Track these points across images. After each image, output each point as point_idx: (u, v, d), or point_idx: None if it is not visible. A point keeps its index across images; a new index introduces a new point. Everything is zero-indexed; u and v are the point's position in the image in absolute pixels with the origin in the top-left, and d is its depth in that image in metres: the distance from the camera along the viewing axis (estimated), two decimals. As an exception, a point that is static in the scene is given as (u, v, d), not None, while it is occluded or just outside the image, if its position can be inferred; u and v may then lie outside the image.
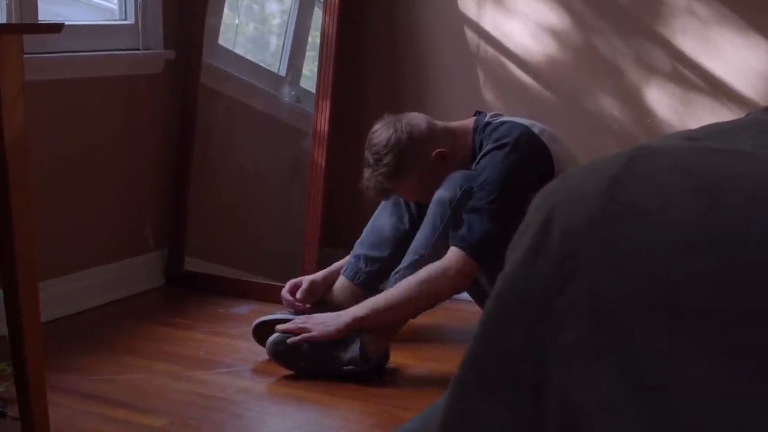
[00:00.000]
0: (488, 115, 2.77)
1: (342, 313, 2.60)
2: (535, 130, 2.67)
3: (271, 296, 3.23)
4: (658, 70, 2.97)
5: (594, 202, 1.26)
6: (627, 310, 1.21)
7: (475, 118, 2.78)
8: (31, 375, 2.07)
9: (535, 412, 1.22)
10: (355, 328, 2.56)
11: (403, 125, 2.71)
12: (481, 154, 2.65)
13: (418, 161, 2.70)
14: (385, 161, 2.69)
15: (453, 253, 2.54)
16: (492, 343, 1.25)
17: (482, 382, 1.25)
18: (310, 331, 2.57)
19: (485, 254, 2.52)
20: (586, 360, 1.21)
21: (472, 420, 1.24)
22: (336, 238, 3.34)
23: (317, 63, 3.28)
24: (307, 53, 3.66)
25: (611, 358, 1.20)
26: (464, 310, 3.07)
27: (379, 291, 2.80)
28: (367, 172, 2.74)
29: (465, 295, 2.96)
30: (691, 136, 1.61)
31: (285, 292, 2.87)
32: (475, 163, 2.69)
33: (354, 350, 2.56)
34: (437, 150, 2.70)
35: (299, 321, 2.62)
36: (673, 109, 2.96)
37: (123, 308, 3.21)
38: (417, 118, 2.75)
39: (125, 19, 3.31)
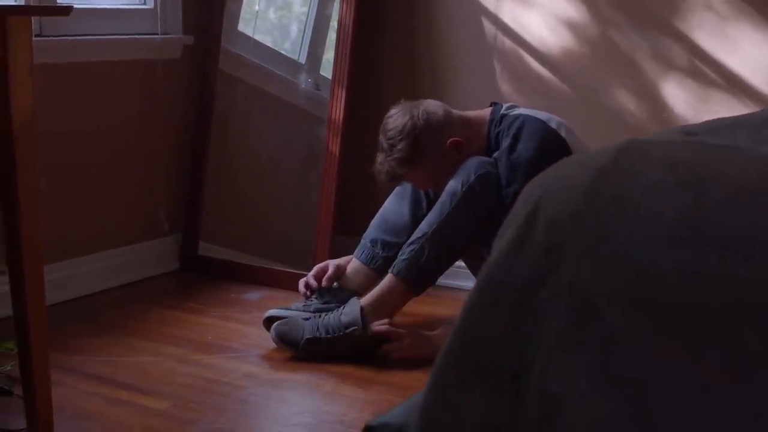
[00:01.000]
0: (504, 107, 2.76)
1: (436, 339, 2.60)
2: (552, 124, 2.67)
3: (284, 283, 3.25)
4: (675, 65, 2.95)
5: (579, 195, 1.26)
6: (609, 304, 1.20)
7: (491, 108, 2.77)
8: (34, 355, 2.09)
9: (514, 402, 1.22)
10: None
11: (420, 112, 2.70)
12: (501, 149, 2.63)
13: (433, 149, 2.69)
14: (400, 147, 2.68)
15: None
16: (473, 333, 1.25)
17: (462, 373, 1.24)
18: (407, 347, 2.59)
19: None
20: (567, 352, 1.20)
21: (452, 410, 1.23)
22: (349, 226, 3.34)
23: (334, 51, 3.27)
24: (328, 41, 3.67)
25: (592, 350, 1.19)
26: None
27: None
28: (380, 157, 2.74)
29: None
30: (690, 130, 1.60)
31: (310, 277, 2.86)
32: (494, 155, 2.67)
33: (354, 313, 2.58)
34: (452, 139, 2.69)
35: (402, 332, 2.61)
36: (690, 105, 2.94)
37: (135, 291, 3.23)
38: (434, 106, 2.74)
39: (144, 3, 3.32)
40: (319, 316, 2.62)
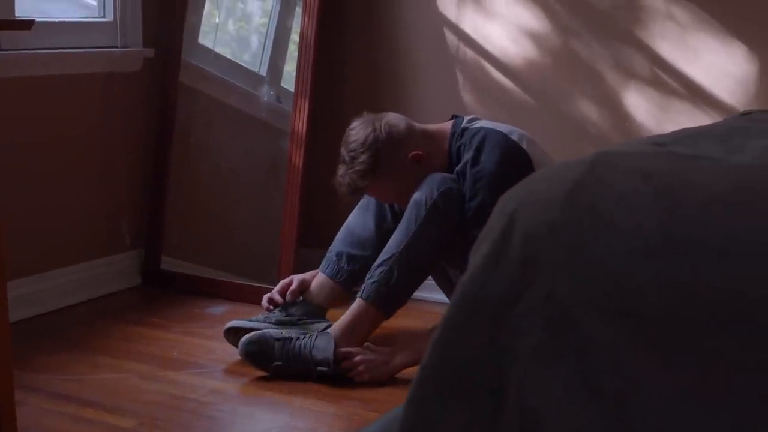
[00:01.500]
0: (465, 120, 2.76)
1: (390, 358, 2.59)
2: (514, 136, 2.67)
3: (248, 296, 3.22)
4: (637, 74, 2.97)
5: (555, 208, 1.26)
6: (586, 316, 1.20)
7: (452, 121, 2.77)
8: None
9: (493, 417, 1.21)
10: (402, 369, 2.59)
11: (382, 125, 2.70)
12: (462, 162, 2.63)
13: (394, 162, 2.69)
14: (361, 159, 2.67)
15: None
16: (450, 348, 1.24)
17: (440, 388, 1.24)
18: (362, 373, 2.56)
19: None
20: (545, 365, 1.20)
21: (431, 425, 1.23)
22: (312, 239, 3.32)
23: (296, 63, 3.26)
24: (289, 53, 3.65)
25: (570, 363, 1.19)
26: (438, 312, 3.06)
27: (357, 288, 2.80)
28: (341, 169, 2.73)
29: (440, 297, 2.96)
30: (658, 141, 1.61)
31: (274, 293, 2.85)
32: (456, 169, 2.67)
33: (327, 351, 2.55)
34: (413, 152, 2.69)
35: (357, 360, 2.57)
36: (652, 114, 2.96)
37: (97, 307, 3.19)
38: (396, 119, 2.74)
39: (104, 16, 3.29)
40: (290, 341, 2.58)
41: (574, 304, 1.20)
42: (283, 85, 3.64)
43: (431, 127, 2.78)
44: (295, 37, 3.58)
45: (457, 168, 2.66)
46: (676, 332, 1.18)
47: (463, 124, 2.74)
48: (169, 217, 3.43)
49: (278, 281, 3.19)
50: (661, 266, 1.20)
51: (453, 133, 2.73)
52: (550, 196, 1.27)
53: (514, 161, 2.62)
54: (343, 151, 2.73)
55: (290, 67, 3.65)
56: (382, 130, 2.68)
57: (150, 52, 3.38)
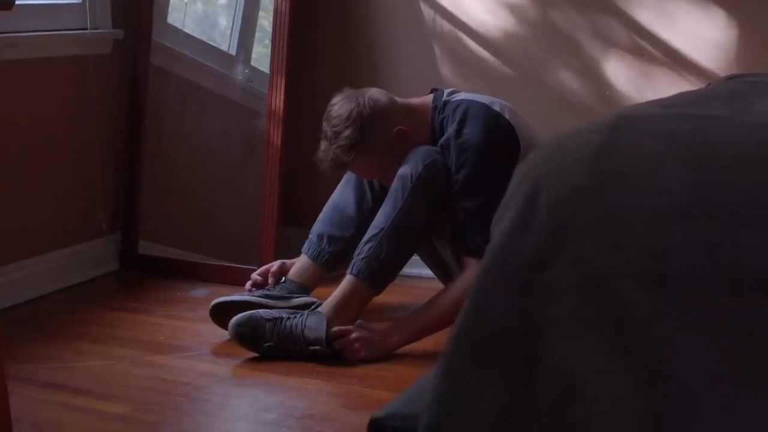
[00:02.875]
0: (446, 93, 2.74)
1: (387, 336, 2.58)
2: (495, 107, 2.65)
3: (229, 278, 3.19)
4: (616, 42, 2.96)
5: (581, 172, 1.24)
6: (617, 280, 1.19)
7: (432, 95, 2.75)
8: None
9: (527, 385, 1.20)
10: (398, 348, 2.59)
11: (366, 99, 2.66)
12: (446, 136, 2.61)
13: (378, 137, 2.66)
14: (345, 134, 2.64)
15: (474, 264, 2.52)
16: (481, 317, 1.22)
17: (472, 358, 1.22)
18: (358, 351, 2.54)
19: None
20: (578, 331, 1.18)
21: (464, 396, 1.21)
22: (291, 218, 3.29)
23: (271, 41, 3.21)
24: (258, 31, 3.60)
25: (603, 328, 1.18)
26: (424, 287, 3.04)
27: (339, 270, 2.79)
28: (323, 145, 2.69)
29: (426, 272, 2.95)
30: (666, 103, 1.60)
31: (255, 275, 2.85)
32: (440, 143, 2.65)
33: (320, 330, 2.52)
34: (397, 127, 2.66)
35: (353, 337, 2.54)
36: (632, 82, 2.95)
37: (76, 294, 3.13)
38: (378, 94, 2.71)
39: (72, -2, 3.22)
40: (281, 321, 2.54)
41: (606, 268, 1.19)
42: (252, 64, 3.60)
43: (414, 101, 2.75)
44: (263, 14, 3.54)
45: (441, 141, 2.64)
46: (708, 294, 1.17)
47: (444, 98, 2.71)
48: (145, 201, 3.37)
49: (260, 262, 3.17)
50: (691, 228, 1.18)
51: (435, 107, 2.70)
52: (575, 160, 1.25)
53: (498, 132, 2.61)
54: (325, 126, 2.69)
55: (259, 46, 3.60)
56: (366, 105, 2.65)
57: (119, 34, 3.32)
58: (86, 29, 3.21)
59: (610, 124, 1.31)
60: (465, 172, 2.57)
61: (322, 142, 2.71)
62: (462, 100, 2.68)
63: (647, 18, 2.90)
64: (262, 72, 3.49)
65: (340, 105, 2.68)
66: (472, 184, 2.56)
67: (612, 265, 1.19)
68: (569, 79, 3.03)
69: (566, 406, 1.17)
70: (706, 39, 2.85)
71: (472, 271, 2.54)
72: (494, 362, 1.21)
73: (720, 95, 1.73)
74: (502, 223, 1.26)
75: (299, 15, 3.21)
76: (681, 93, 1.83)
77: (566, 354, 1.18)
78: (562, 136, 1.36)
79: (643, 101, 2.90)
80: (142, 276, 3.30)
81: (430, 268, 2.89)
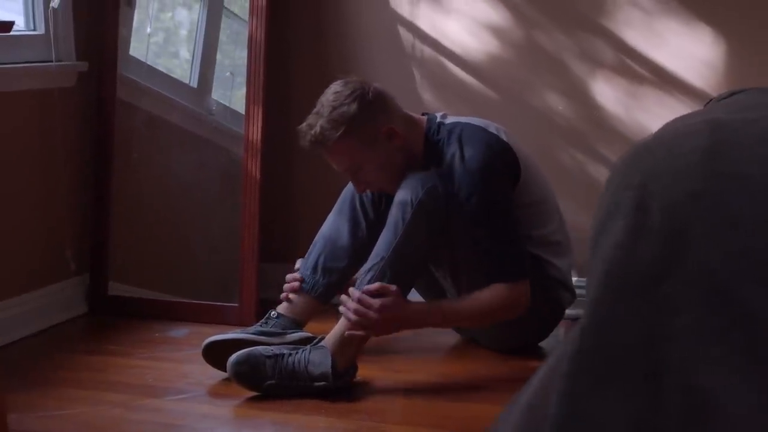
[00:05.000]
0: (438, 116, 2.67)
1: (408, 316, 2.50)
2: (491, 129, 2.60)
3: (207, 316, 3.08)
4: (603, 62, 2.93)
5: (694, 177, 1.17)
6: (745, 287, 1.11)
7: (425, 117, 2.67)
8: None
9: (653, 402, 1.11)
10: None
11: (371, 87, 2.57)
12: (447, 160, 2.53)
13: (369, 127, 2.54)
14: (340, 110, 2.51)
15: (509, 288, 2.50)
16: (600, 334, 1.14)
17: (593, 377, 1.13)
18: (372, 327, 2.45)
19: (526, 271, 2.52)
20: (708, 342, 1.11)
21: (587, 418, 1.12)
22: (269, 254, 3.17)
23: (247, 69, 3.11)
24: (217, 63, 3.51)
25: (735, 338, 1.10)
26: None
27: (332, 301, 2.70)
28: (311, 118, 2.55)
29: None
30: (724, 111, 1.54)
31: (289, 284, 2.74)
32: (441, 166, 2.57)
33: (324, 365, 2.41)
34: (389, 126, 2.57)
35: (382, 303, 2.44)
36: (620, 102, 2.92)
37: (49, 339, 2.97)
38: (383, 90, 2.61)
39: (34, 29, 3.08)
40: (282, 358, 2.43)
41: (731, 276, 1.12)
42: (213, 96, 3.50)
43: (413, 115, 2.67)
44: (224, 47, 3.45)
45: (441, 165, 2.56)
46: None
47: (438, 120, 2.64)
48: (113, 240, 3.23)
49: (241, 298, 3.06)
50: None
51: (429, 128, 2.63)
52: (684, 164, 1.18)
53: (499, 153, 2.55)
54: (320, 100, 2.57)
55: (219, 78, 3.50)
56: (370, 91, 2.56)
57: (84, 66, 3.18)
58: (49, 61, 3.07)
59: (707, 128, 1.24)
60: (475, 199, 2.49)
61: (311, 115, 2.57)
62: (457, 122, 2.61)
63: (634, 37, 2.88)
64: (225, 105, 3.41)
65: (341, 84, 2.58)
66: (484, 210, 2.49)
67: (737, 272, 1.12)
68: (555, 101, 2.99)
69: (697, 423, 1.09)
70: (694, 57, 2.84)
71: (504, 293, 2.48)
72: (617, 380, 1.12)
73: (753, 105, 1.68)
74: (609, 234, 1.18)
75: (271, 41, 3.11)
76: (712, 105, 1.79)
77: (695, 367, 1.10)
78: (651, 142, 1.29)
79: (633, 118, 2.89)
80: (113, 318, 3.15)
81: (424, 297, 2.81)
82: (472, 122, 2.62)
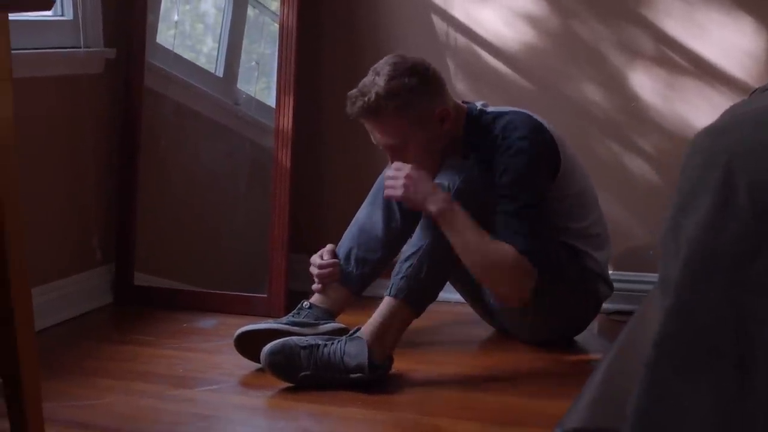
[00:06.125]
0: (478, 104, 2.62)
1: (432, 197, 2.43)
2: (536, 118, 2.56)
3: (235, 307, 3.03)
4: (642, 53, 2.88)
5: (782, 153, 1.12)
6: (840, 269, 1.07)
7: (467, 105, 2.62)
8: (26, 392, 1.83)
9: (742, 389, 1.07)
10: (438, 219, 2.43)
11: (431, 66, 2.53)
12: (491, 141, 2.48)
13: (424, 106, 2.48)
14: (399, 81, 2.44)
15: (513, 252, 2.40)
16: (686, 318, 1.09)
17: (679, 363, 1.09)
18: (406, 187, 2.44)
19: (538, 256, 2.41)
20: (800, 327, 1.06)
21: (673, 405, 1.07)
22: (297, 245, 3.12)
23: (278, 56, 3.06)
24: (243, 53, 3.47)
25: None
26: (451, 312, 2.93)
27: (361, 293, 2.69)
28: (365, 85, 2.47)
29: (454, 296, 2.83)
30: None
31: (314, 258, 2.69)
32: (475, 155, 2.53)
33: (361, 356, 2.36)
34: (444, 107, 2.51)
35: (408, 173, 2.45)
36: (659, 93, 2.87)
37: (76, 328, 2.93)
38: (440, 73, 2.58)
39: (62, 14, 3.03)
40: (317, 348, 2.38)
41: (825, 257, 1.07)
42: (238, 86, 3.46)
43: (458, 101, 2.62)
44: (250, 33, 3.41)
45: (481, 150, 2.51)
46: None
47: (479, 107, 2.60)
48: (139, 230, 3.18)
49: (270, 289, 3.02)
50: None
51: (470, 115, 2.58)
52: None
53: (543, 140, 2.51)
54: (375, 68, 2.49)
55: (243, 68, 3.46)
56: (431, 69, 2.52)
57: (112, 53, 3.14)
58: (78, 47, 3.02)
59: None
60: (511, 176, 2.44)
61: (362, 83, 2.49)
62: (501, 110, 2.57)
63: (674, 27, 2.83)
64: (250, 95, 3.37)
65: (400, 56, 2.52)
66: (516, 188, 2.43)
67: (832, 252, 1.07)
68: (592, 91, 2.94)
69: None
70: (736, 47, 2.78)
71: (509, 254, 2.39)
72: (705, 366, 1.08)
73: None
74: (694, 212, 1.14)
75: (303, 30, 3.06)
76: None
77: (788, 352, 1.06)
78: (734, 122, 1.24)
79: (672, 109, 2.85)
80: (139, 308, 3.10)
81: (458, 288, 2.77)
82: (517, 110, 2.58)
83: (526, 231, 2.41)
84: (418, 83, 2.47)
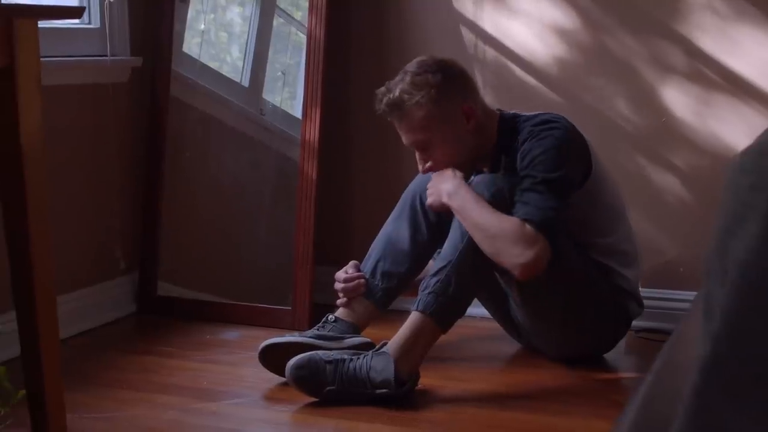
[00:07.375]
0: (512, 112, 2.60)
1: (455, 176, 2.47)
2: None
3: (259, 319, 3.00)
4: (674, 68, 2.84)
5: (836, 175, 1.09)
6: None
7: (499, 111, 2.60)
8: (48, 399, 1.82)
9: (794, 421, 1.03)
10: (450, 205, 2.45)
11: (459, 64, 2.55)
12: (524, 137, 2.45)
13: (449, 101, 2.47)
14: (424, 77, 2.46)
15: (519, 225, 2.34)
16: (735, 343, 1.06)
17: (727, 390, 1.05)
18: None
19: (551, 230, 2.35)
20: None
21: (721, 433, 1.04)
22: (322, 257, 3.10)
23: (305, 67, 3.04)
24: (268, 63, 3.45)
25: None
26: (475, 327, 2.89)
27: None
28: (393, 82, 2.49)
29: (480, 311, 2.80)
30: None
31: (339, 274, 2.66)
32: (518, 155, 2.49)
33: (387, 372, 2.33)
34: (469, 105, 2.50)
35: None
36: (691, 108, 2.83)
37: (99, 338, 2.91)
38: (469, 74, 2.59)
39: (89, 23, 3.02)
40: (343, 363, 2.35)
41: None
42: (264, 96, 3.44)
43: (488, 105, 2.60)
44: (276, 44, 3.39)
45: (512, 153, 2.48)
46: None
47: (512, 113, 2.57)
48: (163, 239, 3.16)
49: (295, 301, 2.99)
50: None
51: (503, 117, 2.55)
52: (823, 163, 1.10)
53: (574, 140, 2.48)
54: (407, 65, 2.52)
55: (269, 78, 3.44)
56: (458, 67, 2.53)
57: (138, 61, 3.13)
58: (104, 56, 3.01)
59: None
60: (542, 149, 2.40)
61: (391, 81, 2.51)
62: (535, 113, 2.54)
63: (707, 43, 2.79)
64: (275, 106, 3.35)
65: (428, 56, 2.55)
66: (537, 166, 2.39)
67: None
68: (622, 106, 2.91)
69: None
70: (770, 63, 2.75)
71: (516, 228, 2.34)
72: (754, 392, 1.04)
73: None
74: (742, 237, 1.10)
75: (331, 41, 3.04)
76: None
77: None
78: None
79: (705, 126, 2.81)
80: (162, 319, 3.08)
81: (487, 308, 2.74)
82: (552, 113, 2.55)
83: (537, 203, 2.36)
84: (443, 79, 2.47)
